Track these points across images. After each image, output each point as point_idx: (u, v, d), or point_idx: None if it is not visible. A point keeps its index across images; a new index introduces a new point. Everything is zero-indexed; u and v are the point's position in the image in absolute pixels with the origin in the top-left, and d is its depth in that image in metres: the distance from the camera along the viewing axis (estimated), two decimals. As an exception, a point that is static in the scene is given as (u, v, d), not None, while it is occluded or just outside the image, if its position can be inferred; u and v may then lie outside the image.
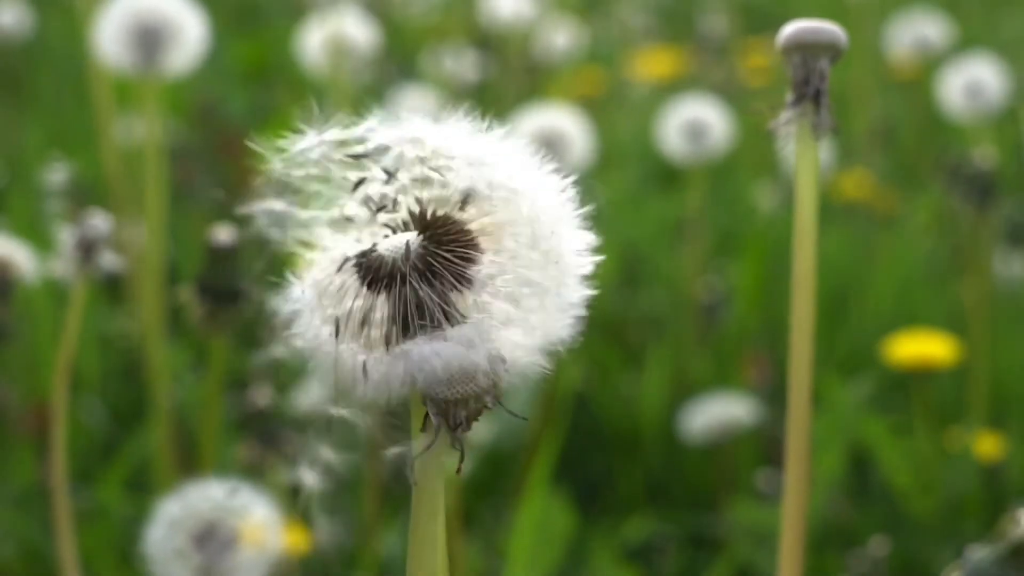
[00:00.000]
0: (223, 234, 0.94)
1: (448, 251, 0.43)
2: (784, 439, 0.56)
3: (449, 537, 1.14)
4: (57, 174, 1.41)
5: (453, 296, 0.42)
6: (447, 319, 0.42)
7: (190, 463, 1.19)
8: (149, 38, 1.25)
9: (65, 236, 0.82)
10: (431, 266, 0.42)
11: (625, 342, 1.55)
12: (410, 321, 0.42)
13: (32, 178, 1.64)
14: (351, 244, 0.44)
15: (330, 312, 0.43)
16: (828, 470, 1.21)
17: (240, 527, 0.84)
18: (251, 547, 0.84)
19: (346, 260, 0.44)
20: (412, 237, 0.43)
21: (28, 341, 1.38)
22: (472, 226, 0.43)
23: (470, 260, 0.43)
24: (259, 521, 0.85)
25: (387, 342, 0.42)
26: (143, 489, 1.23)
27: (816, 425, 1.21)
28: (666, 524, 1.28)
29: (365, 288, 0.43)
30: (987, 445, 1.30)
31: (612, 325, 1.56)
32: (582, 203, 0.44)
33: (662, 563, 1.24)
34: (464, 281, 0.43)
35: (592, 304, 0.44)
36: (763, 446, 1.37)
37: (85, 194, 1.54)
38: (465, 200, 0.43)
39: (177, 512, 0.85)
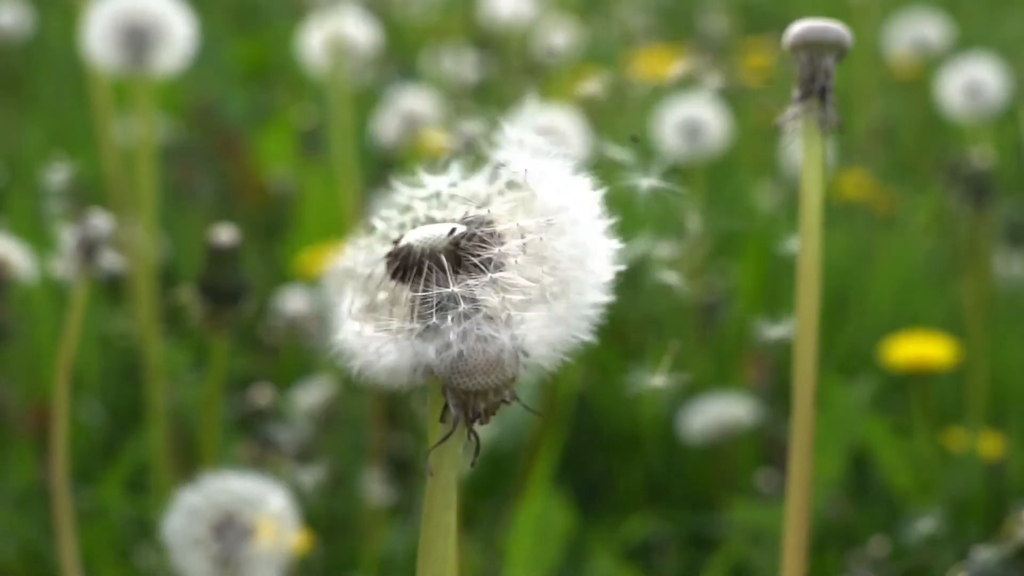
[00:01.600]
0: (223, 234, 0.94)
1: (475, 246, 0.43)
2: (784, 439, 0.56)
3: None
4: (58, 174, 1.41)
5: (478, 289, 0.43)
6: (471, 311, 0.43)
7: (190, 463, 1.19)
8: (137, 38, 1.25)
9: (67, 236, 0.82)
10: (458, 259, 0.43)
11: (625, 342, 1.55)
12: (434, 311, 0.43)
13: (32, 178, 1.64)
14: (383, 234, 0.45)
15: (356, 300, 0.44)
16: (828, 471, 1.21)
17: (257, 518, 0.85)
18: (268, 538, 0.84)
19: (377, 249, 0.45)
20: (441, 229, 0.44)
21: (28, 341, 1.38)
22: (499, 224, 0.44)
23: (496, 256, 0.43)
24: (275, 513, 0.85)
25: (410, 330, 0.43)
26: (143, 489, 1.23)
27: (817, 426, 1.20)
28: (666, 524, 1.28)
29: (392, 277, 0.44)
30: (987, 445, 1.30)
31: (612, 325, 1.56)
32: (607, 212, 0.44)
33: (662, 563, 1.24)
34: (489, 275, 0.43)
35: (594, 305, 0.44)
36: (763, 446, 1.37)
37: (85, 194, 1.54)
38: (494, 198, 0.45)
39: (197, 501, 0.85)
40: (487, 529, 1.26)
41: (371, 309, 0.44)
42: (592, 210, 0.44)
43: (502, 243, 0.44)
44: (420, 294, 0.43)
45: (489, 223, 0.44)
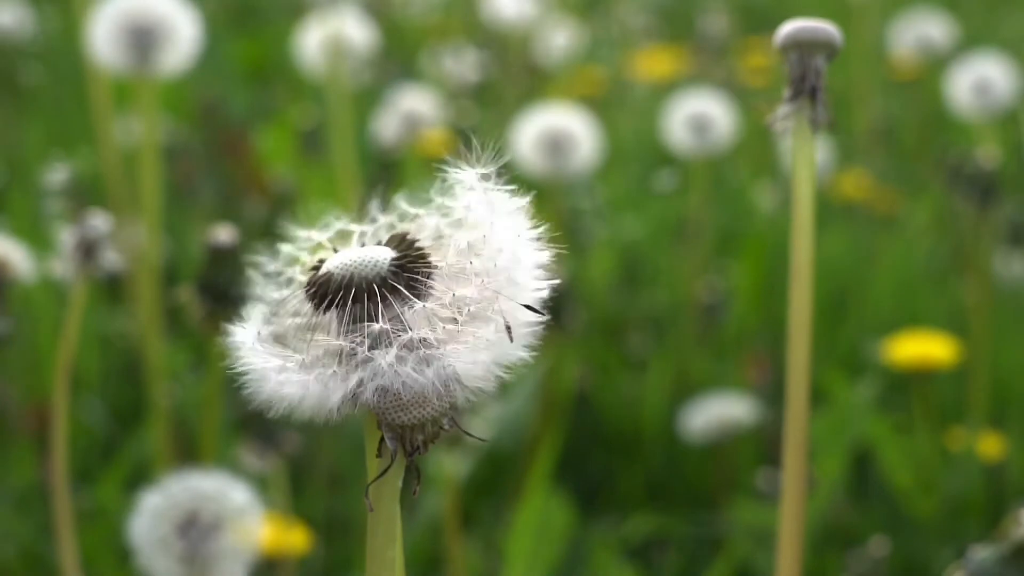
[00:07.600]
0: (223, 234, 0.94)
1: (402, 273, 0.41)
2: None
3: (449, 537, 1.14)
4: (57, 174, 1.41)
5: (406, 319, 0.41)
6: (400, 341, 0.40)
7: (190, 463, 1.18)
8: (142, 38, 1.25)
9: (65, 236, 0.82)
10: (384, 286, 0.41)
11: (625, 342, 1.55)
12: (360, 342, 0.40)
13: (32, 178, 1.64)
14: (305, 262, 0.43)
15: (275, 330, 0.42)
16: (831, 472, 1.21)
17: (222, 515, 0.86)
18: (233, 534, 0.85)
19: (297, 277, 0.43)
20: (365, 256, 0.41)
21: (28, 341, 1.38)
22: (427, 247, 0.42)
23: (424, 280, 0.41)
24: (240, 509, 0.86)
25: (336, 363, 0.41)
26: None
27: (819, 426, 1.20)
28: (666, 524, 1.28)
29: (312, 306, 0.41)
30: (988, 445, 1.30)
31: (612, 325, 1.56)
32: (539, 226, 0.42)
33: (662, 563, 1.24)
34: (417, 304, 0.41)
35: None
36: (763, 446, 1.37)
37: (84, 194, 1.54)
38: (422, 222, 0.42)
39: (159, 502, 0.86)
40: (487, 529, 1.26)
41: (284, 339, 0.41)
42: (521, 232, 0.42)
43: (429, 270, 0.41)
44: (344, 324, 0.40)
45: (416, 250, 0.42)
